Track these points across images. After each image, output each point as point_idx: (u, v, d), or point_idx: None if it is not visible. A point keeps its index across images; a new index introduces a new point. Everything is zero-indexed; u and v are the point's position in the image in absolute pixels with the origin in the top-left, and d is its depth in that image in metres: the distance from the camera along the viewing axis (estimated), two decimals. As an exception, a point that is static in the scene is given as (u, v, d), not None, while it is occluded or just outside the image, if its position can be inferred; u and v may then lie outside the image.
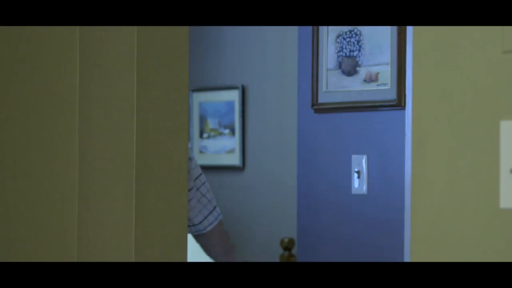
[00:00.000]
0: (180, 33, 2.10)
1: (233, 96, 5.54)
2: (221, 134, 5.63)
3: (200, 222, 3.03)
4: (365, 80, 4.18)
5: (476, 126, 1.44)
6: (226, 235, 3.15)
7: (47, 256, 2.13)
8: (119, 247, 2.12)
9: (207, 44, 5.72)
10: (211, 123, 5.70)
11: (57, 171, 2.14)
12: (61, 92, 2.10)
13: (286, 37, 5.23)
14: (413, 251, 1.52)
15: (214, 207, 3.07)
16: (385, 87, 4.10)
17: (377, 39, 4.28)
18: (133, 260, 2.06)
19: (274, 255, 4.96)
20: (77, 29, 2.09)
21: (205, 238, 3.09)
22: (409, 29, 3.92)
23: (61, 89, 2.10)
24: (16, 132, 2.08)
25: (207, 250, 3.14)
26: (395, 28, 4.09)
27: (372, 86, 4.13)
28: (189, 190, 2.94)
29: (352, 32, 4.25)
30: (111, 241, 2.14)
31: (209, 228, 3.06)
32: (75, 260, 2.15)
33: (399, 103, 4.04)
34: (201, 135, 5.69)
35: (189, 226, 3.04)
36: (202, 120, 5.73)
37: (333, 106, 4.21)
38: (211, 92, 5.69)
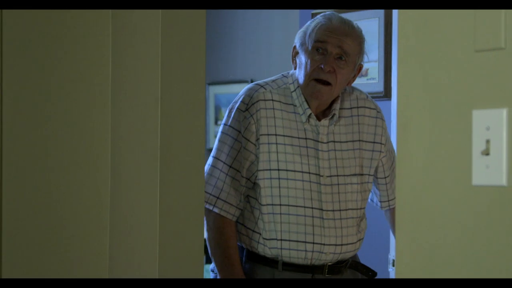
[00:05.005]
0: (198, 15, 2.06)
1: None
2: (233, 121, 5.64)
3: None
4: (356, 75, 4.18)
5: (452, 114, 1.44)
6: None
7: (79, 272, 1.97)
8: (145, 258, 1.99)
9: (220, 45, 5.73)
10: (225, 112, 5.71)
11: (90, 171, 1.99)
12: (96, 71, 2.00)
13: (288, 38, 5.22)
14: (398, 222, 1.52)
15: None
16: (373, 81, 4.09)
17: (367, 39, 4.26)
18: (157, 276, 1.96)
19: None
20: (109, 12, 2.04)
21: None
22: (395, 31, 3.91)
23: (96, 68, 1.99)
24: (48, 116, 1.94)
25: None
26: (382, 29, 4.08)
27: (362, 80, 4.12)
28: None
29: (346, 34, 4.24)
30: (138, 254, 2.01)
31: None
32: (106, 276, 2.00)
33: (386, 95, 4.03)
34: (216, 122, 5.73)
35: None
36: (217, 109, 5.77)
37: (329, 97, 4.21)
38: (225, 85, 5.72)
